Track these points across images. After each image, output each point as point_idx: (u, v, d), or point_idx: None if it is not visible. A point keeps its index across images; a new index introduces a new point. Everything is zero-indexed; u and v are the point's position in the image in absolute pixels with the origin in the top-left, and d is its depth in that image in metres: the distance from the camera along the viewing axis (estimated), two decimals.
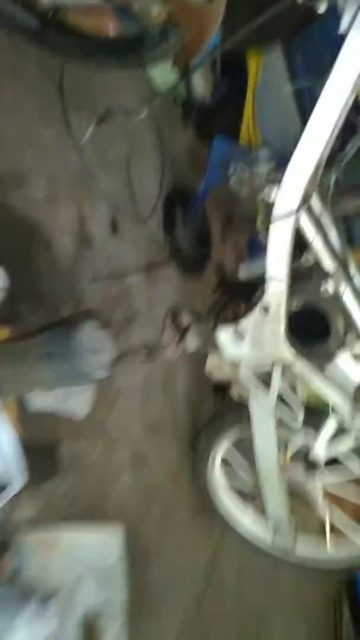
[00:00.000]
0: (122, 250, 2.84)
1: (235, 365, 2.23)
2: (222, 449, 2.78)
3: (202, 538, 2.90)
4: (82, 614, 1.62)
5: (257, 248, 3.59)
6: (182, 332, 2.34)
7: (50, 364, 1.26)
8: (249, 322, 1.98)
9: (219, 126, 3.39)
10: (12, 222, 2.21)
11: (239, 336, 2.12)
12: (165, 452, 2.85)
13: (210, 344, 2.26)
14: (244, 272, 2.41)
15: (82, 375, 1.33)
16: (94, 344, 1.35)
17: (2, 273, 1.39)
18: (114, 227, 2.80)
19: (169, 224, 3.29)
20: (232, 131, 3.31)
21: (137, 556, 2.27)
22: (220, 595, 2.88)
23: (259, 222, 1.91)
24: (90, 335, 1.36)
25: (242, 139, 3.34)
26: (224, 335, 2.15)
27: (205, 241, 3.54)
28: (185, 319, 2.39)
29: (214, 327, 2.21)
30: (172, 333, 2.36)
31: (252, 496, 2.73)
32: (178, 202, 3.31)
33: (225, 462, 2.79)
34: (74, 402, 1.77)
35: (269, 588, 3.17)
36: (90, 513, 2.09)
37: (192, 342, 2.29)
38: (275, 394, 2.02)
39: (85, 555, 1.68)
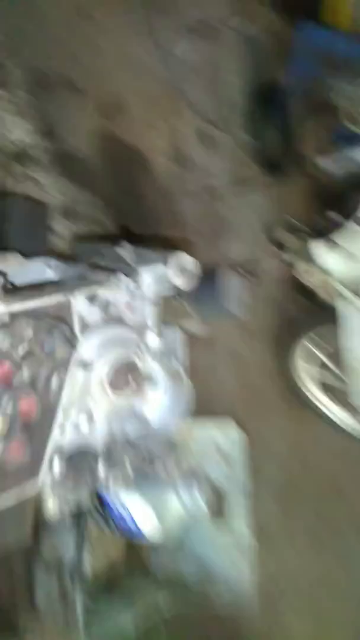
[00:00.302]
0: (211, 162, 2.90)
1: (327, 274, 2.39)
2: (307, 345, 3.04)
3: (293, 425, 3.29)
4: (210, 481, 2.05)
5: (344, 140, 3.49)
6: (280, 247, 2.50)
7: (202, 304, 1.47)
8: (342, 235, 2.07)
9: None
10: (118, 151, 2.35)
11: (333, 248, 2.23)
12: (260, 353, 3.14)
13: (304, 256, 2.41)
14: (333, 166, 2.43)
15: (227, 313, 1.58)
16: (231, 287, 1.56)
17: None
18: (204, 140, 2.85)
19: (255, 124, 3.24)
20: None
21: None
22: (303, 468, 3.33)
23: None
24: (226, 278, 1.56)
25: (324, 17, 3.08)
26: (318, 248, 2.28)
27: (291, 139, 3.46)
28: (280, 233, 2.53)
29: (308, 239, 2.34)
30: (272, 249, 2.51)
31: (331, 387, 3.02)
32: (264, 99, 3.22)
33: (309, 357, 3.06)
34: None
35: (345, 463, 3.59)
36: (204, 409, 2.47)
37: (289, 255, 2.45)
38: None
39: (212, 439, 2.06)
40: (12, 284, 0.98)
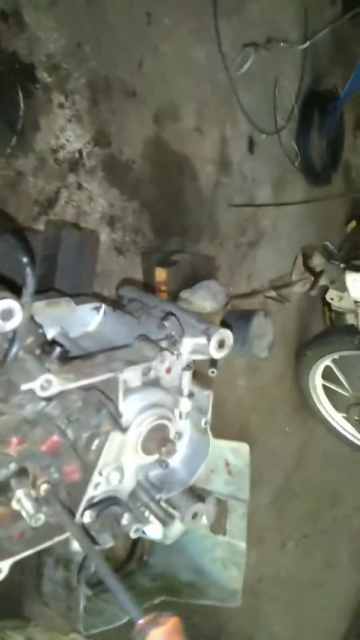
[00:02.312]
0: (256, 169, 2.89)
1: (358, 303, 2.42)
2: (325, 362, 3.11)
3: (297, 429, 3.39)
4: (215, 495, 2.17)
5: None
6: (314, 274, 2.52)
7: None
8: None
9: None
10: (167, 159, 2.35)
11: None
12: (273, 357, 3.22)
13: (339, 284, 2.44)
14: None
15: (251, 354, 1.64)
16: (261, 330, 1.62)
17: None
18: (253, 148, 2.82)
19: (303, 131, 3.20)
20: None
21: (245, 441, 2.79)
22: (305, 474, 3.46)
23: None
24: (259, 323, 1.62)
25: None
26: (353, 279, 2.31)
27: (340, 151, 3.41)
28: (317, 261, 2.55)
29: (344, 269, 2.37)
30: (303, 272, 2.54)
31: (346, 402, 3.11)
32: (319, 108, 3.16)
33: (328, 375, 3.13)
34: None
35: (344, 472, 3.72)
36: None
37: (323, 282, 2.47)
38: None
39: (222, 456, 2.17)
40: (66, 352, 1.04)
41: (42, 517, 0.94)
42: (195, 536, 2.30)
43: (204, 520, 2.10)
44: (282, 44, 2.51)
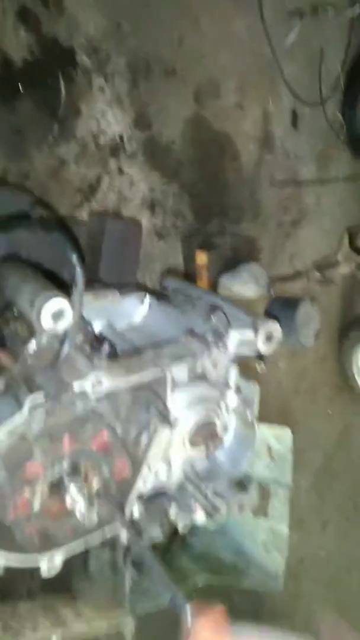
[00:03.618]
0: (299, 144, 2.78)
1: None
2: None
3: (339, 411, 3.34)
4: (257, 479, 2.18)
5: None
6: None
7: None
8: None
9: None
10: (207, 138, 2.29)
11: None
12: (321, 345, 3.15)
13: None
14: None
15: (297, 343, 1.61)
16: (307, 319, 1.57)
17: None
18: (297, 123, 2.71)
19: (349, 102, 3.05)
20: None
21: (286, 423, 2.77)
22: (347, 456, 3.42)
23: None
24: (305, 312, 1.58)
25: None
26: None
27: None
28: None
29: None
30: (348, 252, 2.45)
31: None
32: None
33: None
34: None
35: None
36: None
37: None
38: None
39: (265, 441, 2.17)
40: (113, 347, 1.04)
41: (94, 512, 0.95)
42: (238, 519, 2.32)
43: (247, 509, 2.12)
44: (329, 10, 2.36)
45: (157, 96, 2.05)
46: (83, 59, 1.81)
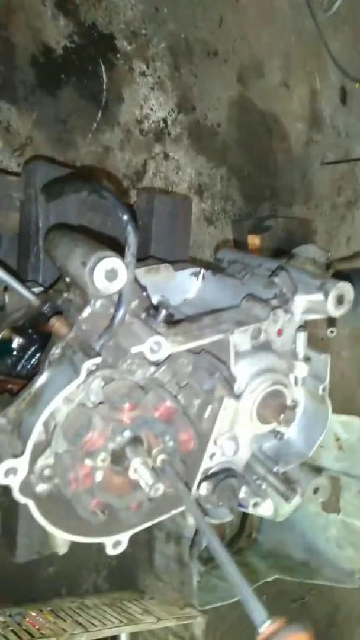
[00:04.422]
0: (350, 121, 2.67)
1: None
2: None
3: None
4: (327, 474, 2.05)
5: None
6: None
7: None
8: None
9: None
10: (253, 120, 2.22)
11: None
12: None
13: None
14: None
15: None
16: None
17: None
18: (344, 97, 2.60)
19: None
20: None
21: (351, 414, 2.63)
22: None
23: None
24: None
25: None
26: None
27: None
28: None
29: None
30: None
31: None
32: None
33: None
34: None
35: None
36: None
37: None
38: None
39: (332, 431, 2.04)
40: (172, 315, 0.99)
41: (161, 486, 0.89)
42: (307, 513, 2.19)
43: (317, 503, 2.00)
44: None
45: (200, 78, 2.01)
46: (123, 44, 1.80)
